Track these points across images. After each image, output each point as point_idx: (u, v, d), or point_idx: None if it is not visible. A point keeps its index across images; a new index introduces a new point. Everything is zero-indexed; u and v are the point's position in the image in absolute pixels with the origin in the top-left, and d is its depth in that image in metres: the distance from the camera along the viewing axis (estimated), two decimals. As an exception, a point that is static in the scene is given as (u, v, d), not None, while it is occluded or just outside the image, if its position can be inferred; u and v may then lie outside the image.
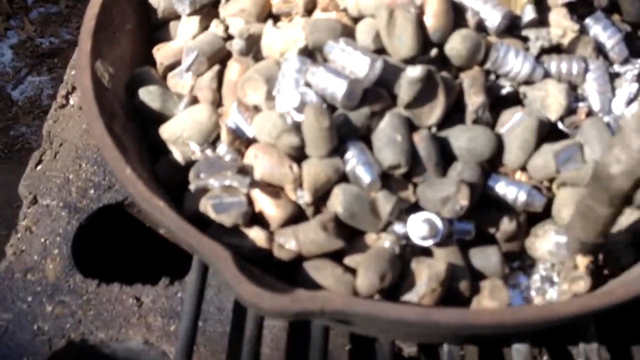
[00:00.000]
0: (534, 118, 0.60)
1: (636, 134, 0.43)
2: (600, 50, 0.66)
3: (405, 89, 0.58)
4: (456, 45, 0.60)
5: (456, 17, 0.62)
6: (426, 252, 0.59)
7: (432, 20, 0.60)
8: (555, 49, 0.65)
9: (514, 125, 0.61)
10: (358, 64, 0.58)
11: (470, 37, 0.61)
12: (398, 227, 0.58)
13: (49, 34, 2.00)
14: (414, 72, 0.57)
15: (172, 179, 0.62)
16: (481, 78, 0.60)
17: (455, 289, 0.57)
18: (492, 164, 0.61)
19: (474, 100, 0.60)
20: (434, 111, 0.59)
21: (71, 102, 0.84)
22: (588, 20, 0.67)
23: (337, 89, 0.57)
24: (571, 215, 0.56)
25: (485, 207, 0.60)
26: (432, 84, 0.58)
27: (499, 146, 0.60)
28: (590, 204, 0.51)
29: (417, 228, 0.57)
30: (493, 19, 0.62)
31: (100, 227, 0.75)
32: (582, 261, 0.57)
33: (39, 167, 0.79)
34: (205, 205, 0.57)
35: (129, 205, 0.76)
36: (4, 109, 1.83)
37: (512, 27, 0.65)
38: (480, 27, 0.63)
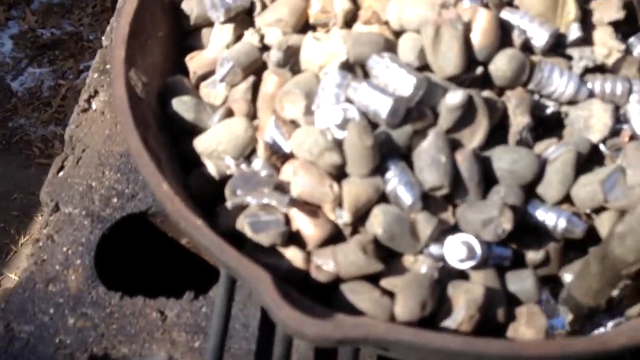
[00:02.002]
0: (572, 151, 0.59)
1: None
2: None
3: (445, 115, 0.57)
4: (501, 66, 0.59)
5: (502, 35, 0.60)
6: (462, 275, 0.57)
7: (479, 39, 0.58)
8: (599, 69, 0.64)
9: (553, 158, 0.59)
10: (403, 82, 0.56)
11: (516, 57, 0.59)
12: (434, 249, 0.57)
13: (50, 25, 1.99)
14: (454, 98, 0.55)
15: (204, 193, 0.61)
16: (528, 98, 0.59)
17: (492, 315, 0.56)
18: (532, 188, 0.60)
19: (520, 120, 0.59)
20: (476, 135, 0.58)
21: (93, 106, 0.83)
22: (633, 39, 0.66)
23: (381, 106, 0.56)
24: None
25: (521, 232, 0.59)
26: (473, 108, 0.57)
27: (541, 170, 0.59)
28: (588, 259, 0.51)
29: (454, 250, 0.56)
30: (540, 37, 0.61)
31: (123, 237, 0.74)
32: (568, 317, 0.56)
33: (60, 174, 0.77)
34: (242, 224, 0.55)
35: (152, 214, 0.75)
36: (3, 99, 1.83)
37: (556, 45, 0.63)
38: (526, 46, 0.61)
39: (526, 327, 0.56)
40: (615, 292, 0.54)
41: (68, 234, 0.72)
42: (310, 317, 0.48)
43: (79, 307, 0.67)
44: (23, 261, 1.47)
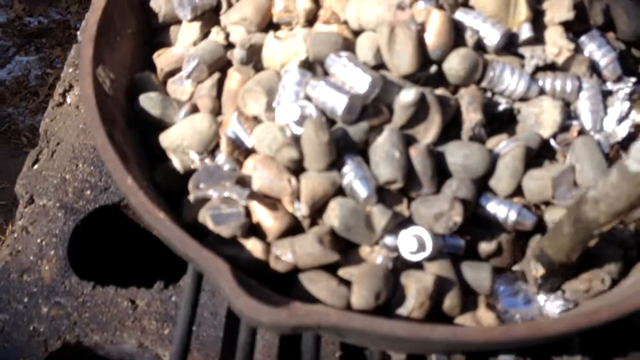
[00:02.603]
0: (521, 146, 0.61)
1: (619, 170, 0.45)
2: (594, 68, 0.67)
3: (399, 113, 0.59)
4: (455, 65, 0.61)
5: (456, 35, 0.62)
6: (418, 265, 0.60)
7: (432, 39, 0.61)
8: (550, 67, 0.66)
9: (503, 152, 0.62)
10: (359, 81, 0.59)
11: (468, 57, 0.62)
12: (389, 240, 0.59)
13: (37, 13, 1.99)
14: (407, 96, 0.58)
15: (170, 186, 0.63)
16: (480, 96, 0.62)
17: (445, 301, 0.58)
18: (484, 181, 0.62)
19: (472, 117, 0.61)
20: (430, 131, 0.60)
21: (68, 100, 0.85)
22: (583, 38, 0.68)
23: (338, 103, 0.58)
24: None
25: (476, 224, 0.61)
26: (426, 105, 0.59)
27: (493, 164, 0.61)
28: (561, 221, 0.54)
29: (406, 243, 0.58)
30: (492, 37, 0.63)
31: (96, 228, 0.76)
32: (539, 272, 0.59)
33: (35, 167, 0.79)
34: (204, 216, 0.57)
35: (124, 206, 0.77)
36: (-10, 89, 1.83)
37: (509, 45, 0.66)
38: (479, 45, 0.64)
39: (485, 311, 0.59)
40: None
41: (42, 226, 0.74)
42: (266, 305, 0.50)
43: (52, 297, 0.69)
44: None
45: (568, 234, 0.54)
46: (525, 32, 0.64)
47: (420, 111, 0.59)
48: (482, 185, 0.62)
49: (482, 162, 0.61)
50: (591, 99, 0.66)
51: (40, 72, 1.86)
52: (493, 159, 0.61)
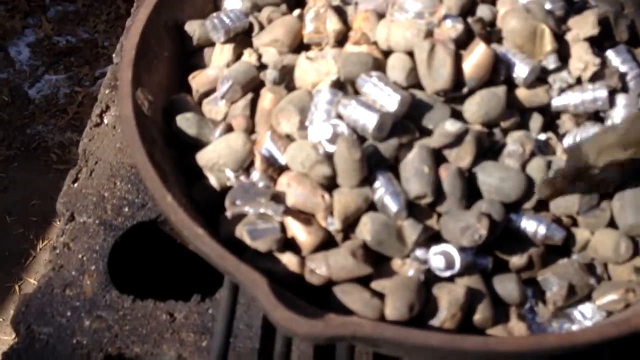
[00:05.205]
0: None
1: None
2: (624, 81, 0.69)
3: (437, 137, 0.61)
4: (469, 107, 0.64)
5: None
6: (449, 278, 0.61)
7: (471, 69, 0.62)
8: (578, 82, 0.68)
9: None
10: (388, 100, 0.61)
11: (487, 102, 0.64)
12: (420, 253, 0.61)
13: (66, 32, 2.04)
14: (452, 126, 0.60)
15: (207, 203, 0.65)
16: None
17: (477, 314, 0.60)
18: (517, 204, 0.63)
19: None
20: (465, 158, 0.62)
21: (105, 121, 0.88)
22: (609, 53, 0.70)
23: (369, 121, 0.60)
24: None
25: (506, 238, 0.63)
26: (465, 138, 0.61)
27: (528, 191, 0.62)
28: (607, 130, 0.60)
29: (435, 260, 0.60)
30: (521, 72, 0.64)
31: (134, 244, 0.79)
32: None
33: (75, 185, 0.82)
34: (241, 232, 0.60)
35: (161, 222, 0.80)
36: (20, 107, 1.87)
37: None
38: (509, 80, 0.65)
39: (516, 322, 0.60)
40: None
41: (83, 242, 0.77)
42: (302, 316, 0.52)
43: (94, 310, 0.72)
44: (41, 266, 1.50)
45: (610, 143, 0.57)
46: (552, 62, 0.66)
47: (457, 140, 0.61)
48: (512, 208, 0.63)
49: (517, 188, 0.62)
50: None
51: (68, 90, 1.91)
52: (530, 185, 0.63)
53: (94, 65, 1.96)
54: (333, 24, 0.68)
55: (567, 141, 0.66)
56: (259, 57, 0.71)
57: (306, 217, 0.61)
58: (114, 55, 0.96)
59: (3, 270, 1.56)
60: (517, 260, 0.62)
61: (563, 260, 0.64)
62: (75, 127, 1.82)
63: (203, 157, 0.66)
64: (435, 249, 0.59)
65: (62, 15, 2.08)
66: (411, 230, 0.60)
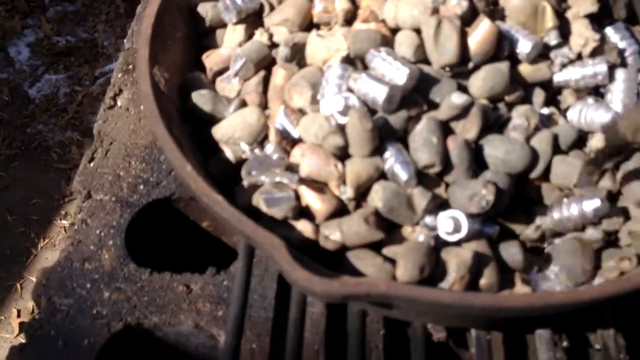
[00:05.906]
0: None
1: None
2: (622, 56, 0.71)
3: (444, 109, 0.64)
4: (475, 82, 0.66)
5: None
6: (457, 243, 0.64)
7: (475, 45, 0.65)
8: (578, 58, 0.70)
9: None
10: (397, 73, 0.63)
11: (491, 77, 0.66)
12: (430, 220, 0.63)
13: (65, 32, 2.04)
14: (458, 99, 0.62)
15: (223, 176, 0.68)
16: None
17: (483, 278, 0.62)
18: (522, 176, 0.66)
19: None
20: (471, 130, 0.64)
21: (119, 103, 0.90)
22: (607, 30, 0.72)
23: (378, 94, 0.63)
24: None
25: (517, 211, 0.65)
26: (471, 110, 0.64)
27: (533, 163, 0.65)
28: None
29: (443, 224, 0.62)
30: (524, 47, 0.67)
31: (150, 220, 0.81)
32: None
33: (91, 164, 0.84)
34: (258, 200, 0.62)
35: (175, 200, 0.82)
36: (20, 106, 1.87)
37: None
38: (512, 56, 0.68)
39: (521, 287, 0.62)
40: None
41: (100, 218, 0.79)
42: (319, 276, 0.55)
43: (112, 282, 0.74)
44: (43, 264, 1.51)
45: None
46: (553, 39, 0.68)
47: (463, 112, 0.64)
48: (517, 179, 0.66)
49: (523, 159, 0.64)
50: (626, 90, 0.69)
51: (68, 90, 1.91)
52: (534, 158, 0.65)
53: (94, 65, 1.97)
54: (342, 3, 0.71)
55: (571, 115, 0.69)
56: (270, 36, 0.73)
57: (320, 186, 0.63)
58: (125, 41, 0.98)
59: (4, 269, 1.57)
60: (529, 233, 0.65)
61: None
62: (76, 126, 1.83)
63: (218, 131, 0.68)
64: (443, 214, 0.62)
65: (61, 15, 2.09)
66: (421, 197, 0.62)
